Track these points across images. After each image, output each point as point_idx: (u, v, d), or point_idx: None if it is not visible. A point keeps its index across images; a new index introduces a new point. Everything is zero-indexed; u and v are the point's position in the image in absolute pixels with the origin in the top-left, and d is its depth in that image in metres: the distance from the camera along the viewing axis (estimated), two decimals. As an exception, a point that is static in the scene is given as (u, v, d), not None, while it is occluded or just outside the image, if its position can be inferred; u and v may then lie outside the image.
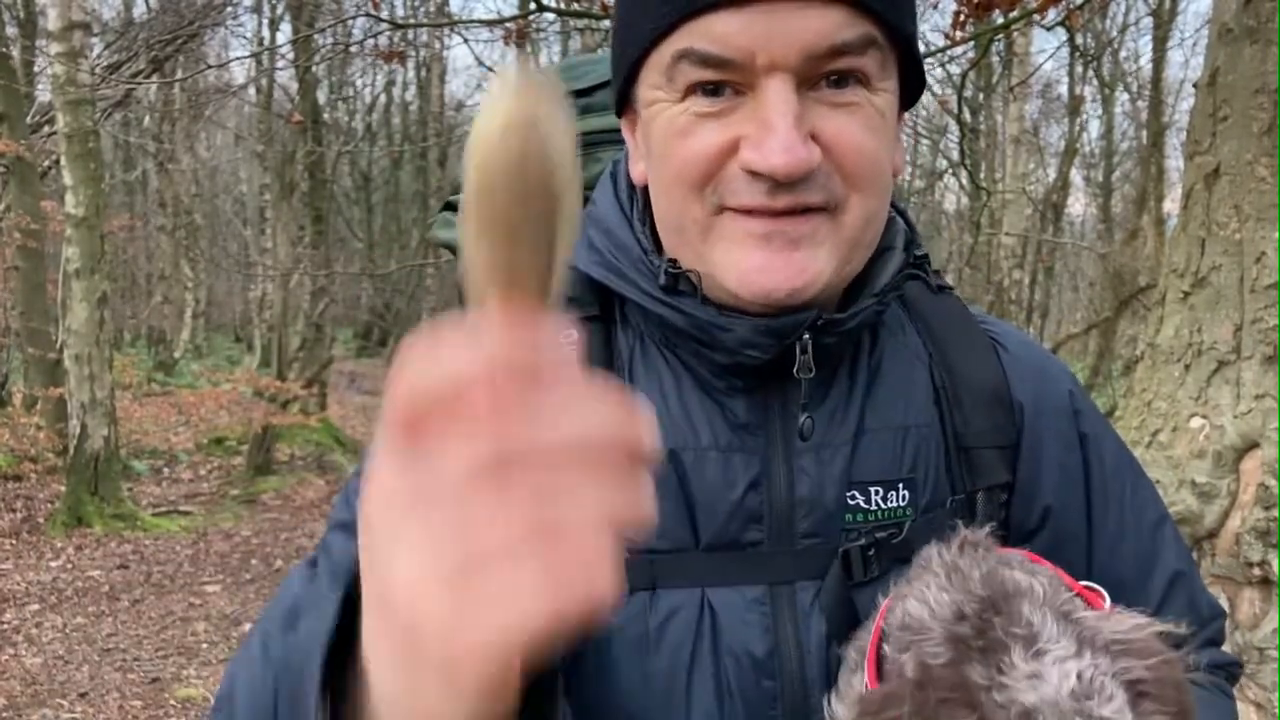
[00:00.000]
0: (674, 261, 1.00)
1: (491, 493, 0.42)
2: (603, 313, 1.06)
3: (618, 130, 1.10)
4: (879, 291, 1.00)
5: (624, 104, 1.05)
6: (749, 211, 0.92)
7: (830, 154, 0.92)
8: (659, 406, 1.01)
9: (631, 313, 1.05)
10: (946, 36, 5.65)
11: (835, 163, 0.92)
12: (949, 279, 1.24)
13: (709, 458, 0.99)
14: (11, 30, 12.34)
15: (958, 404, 1.05)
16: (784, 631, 0.97)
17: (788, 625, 0.96)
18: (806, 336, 0.96)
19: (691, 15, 0.90)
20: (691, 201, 0.95)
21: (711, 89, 0.91)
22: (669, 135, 0.94)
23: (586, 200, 1.17)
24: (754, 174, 0.90)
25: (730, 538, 0.99)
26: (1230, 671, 1.14)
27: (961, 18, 5.05)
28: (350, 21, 8.03)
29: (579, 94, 1.25)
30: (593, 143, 1.23)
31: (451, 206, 1.30)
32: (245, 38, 17.83)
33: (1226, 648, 1.21)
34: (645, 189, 1.07)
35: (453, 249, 1.27)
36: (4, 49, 10.57)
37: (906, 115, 1.21)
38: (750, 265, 0.93)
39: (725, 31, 0.88)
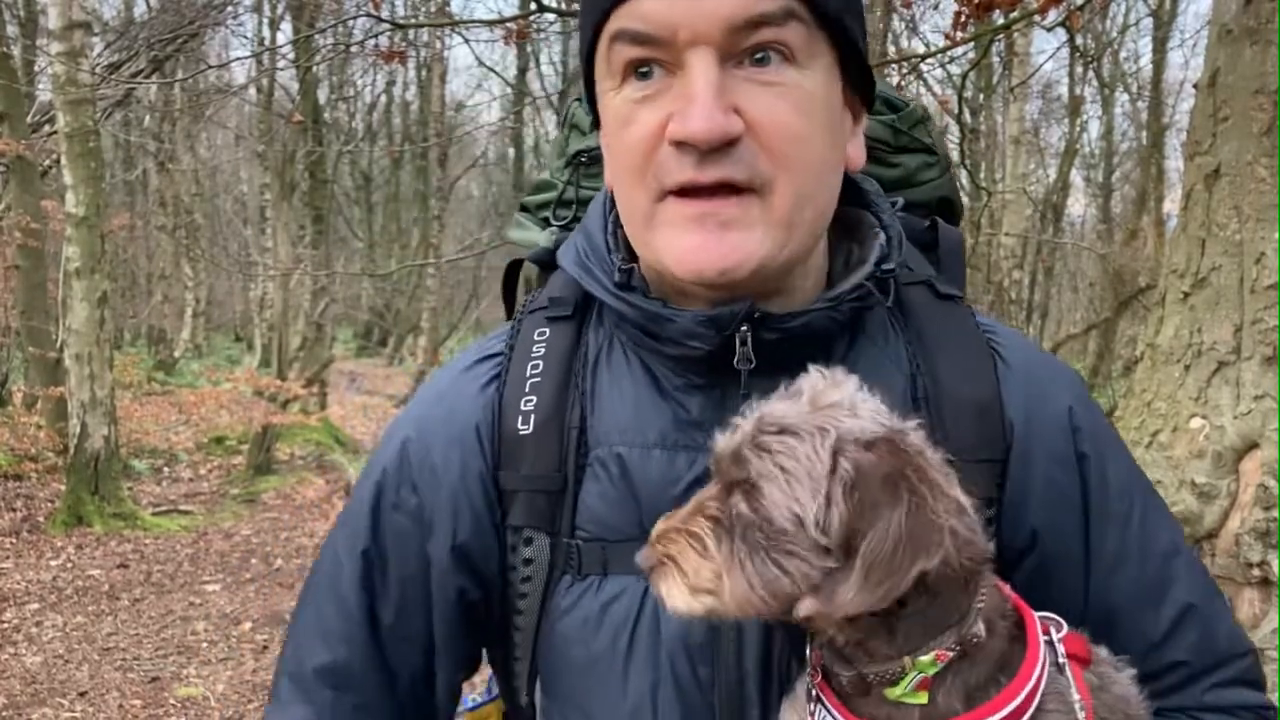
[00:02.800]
0: (625, 258, 1.06)
1: None
2: (577, 313, 1.12)
3: None
4: (832, 298, 1.01)
5: (597, 116, 1.08)
6: (682, 193, 0.96)
7: (756, 132, 0.94)
8: (615, 404, 1.06)
9: (606, 311, 1.10)
10: (947, 37, 5.64)
11: (761, 141, 0.95)
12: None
13: (653, 455, 1.03)
14: (12, 30, 12.34)
15: (938, 416, 1.03)
16: (723, 621, 0.98)
17: None
18: (745, 329, 0.99)
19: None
20: (636, 189, 0.99)
21: (644, 70, 0.96)
22: (616, 126, 1.00)
23: None
24: (680, 147, 0.94)
25: None
26: (1259, 714, 1.07)
27: (962, 18, 5.04)
28: (350, 21, 8.03)
29: None
30: None
31: (524, 208, 1.35)
32: (245, 38, 17.83)
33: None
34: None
35: (524, 248, 1.31)
36: (4, 48, 10.56)
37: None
38: (686, 246, 0.96)
39: (652, 10, 0.94)
